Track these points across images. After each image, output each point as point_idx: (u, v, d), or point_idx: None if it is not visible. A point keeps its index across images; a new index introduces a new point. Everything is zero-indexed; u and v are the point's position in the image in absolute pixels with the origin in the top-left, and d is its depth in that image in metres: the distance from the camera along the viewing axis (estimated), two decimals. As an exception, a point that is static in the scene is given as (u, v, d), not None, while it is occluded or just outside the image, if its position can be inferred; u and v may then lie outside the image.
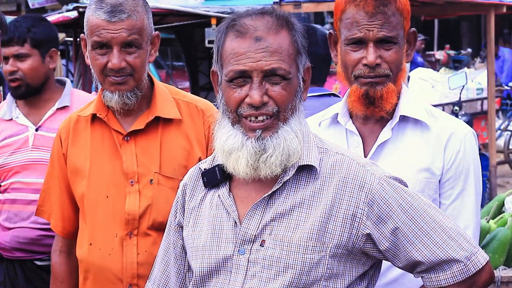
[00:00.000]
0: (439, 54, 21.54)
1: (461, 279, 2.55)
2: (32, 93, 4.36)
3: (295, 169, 2.52)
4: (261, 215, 2.53)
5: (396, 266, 2.60)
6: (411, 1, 3.03)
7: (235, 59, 2.46)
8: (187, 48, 11.86)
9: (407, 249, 2.53)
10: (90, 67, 3.29)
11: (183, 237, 2.70)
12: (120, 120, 3.34)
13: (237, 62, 2.46)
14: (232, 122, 2.52)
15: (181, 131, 3.34)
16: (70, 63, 14.29)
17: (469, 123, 11.16)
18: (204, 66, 11.61)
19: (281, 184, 2.52)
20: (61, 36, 13.12)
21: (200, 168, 2.68)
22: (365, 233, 2.50)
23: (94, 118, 3.37)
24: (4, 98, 4.79)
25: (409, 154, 2.97)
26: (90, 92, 10.66)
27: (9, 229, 4.33)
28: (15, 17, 4.99)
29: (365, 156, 2.97)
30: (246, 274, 2.51)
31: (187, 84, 14.18)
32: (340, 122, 3.06)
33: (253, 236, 2.52)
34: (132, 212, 3.28)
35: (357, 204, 2.50)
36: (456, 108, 11.40)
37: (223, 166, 2.57)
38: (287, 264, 2.48)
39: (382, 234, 2.51)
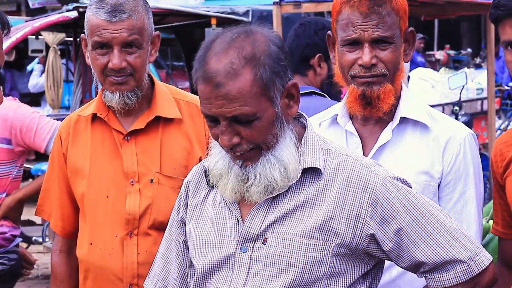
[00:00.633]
0: (439, 54, 21.52)
1: (464, 280, 2.54)
2: None
3: (300, 173, 2.52)
4: (264, 214, 2.53)
5: (400, 267, 2.60)
6: (411, 1, 3.03)
7: (203, 102, 2.46)
8: (187, 48, 11.85)
9: (411, 250, 2.52)
10: (91, 67, 3.30)
11: (185, 233, 2.70)
12: (121, 120, 3.33)
13: (204, 106, 2.46)
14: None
15: (181, 131, 3.34)
16: (70, 63, 14.29)
17: (469, 123, 11.14)
18: (204, 66, 11.58)
19: (285, 189, 2.52)
20: (61, 36, 13.12)
21: (204, 166, 2.68)
22: (368, 233, 2.50)
23: (94, 117, 3.37)
24: None
25: (408, 156, 2.95)
26: (90, 92, 10.66)
27: None
28: (15, 17, 4.98)
29: (365, 157, 2.97)
30: (248, 272, 2.52)
31: (187, 84, 14.18)
32: (340, 123, 3.05)
33: (256, 234, 2.52)
34: (132, 211, 3.28)
35: (360, 204, 2.50)
36: (456, 108, 11.37)
37: None
38: (289, 262, 2.48)
39: (385, 235, 2.51)
